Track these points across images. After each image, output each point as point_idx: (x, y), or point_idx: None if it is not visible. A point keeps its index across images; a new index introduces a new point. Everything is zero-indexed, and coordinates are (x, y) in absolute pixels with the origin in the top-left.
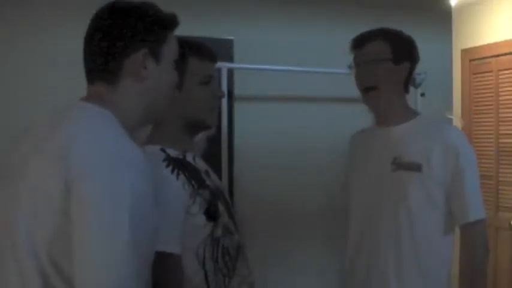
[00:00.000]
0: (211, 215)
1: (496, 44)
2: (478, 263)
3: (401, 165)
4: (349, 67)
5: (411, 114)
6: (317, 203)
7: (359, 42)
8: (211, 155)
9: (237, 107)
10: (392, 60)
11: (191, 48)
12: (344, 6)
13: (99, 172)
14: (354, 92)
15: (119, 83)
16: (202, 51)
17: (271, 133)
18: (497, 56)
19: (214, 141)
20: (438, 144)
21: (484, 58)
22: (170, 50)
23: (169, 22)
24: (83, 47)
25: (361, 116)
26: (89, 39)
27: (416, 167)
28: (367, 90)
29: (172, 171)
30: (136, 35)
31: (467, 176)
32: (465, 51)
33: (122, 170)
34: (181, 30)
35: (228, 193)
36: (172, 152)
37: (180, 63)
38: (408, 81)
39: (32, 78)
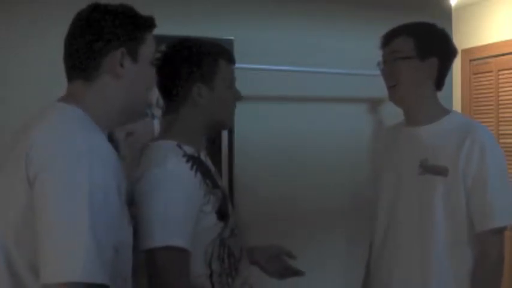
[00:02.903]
0: (222, 215)
1: (496, 44)
2: (492, 276)
3: (427, 169)
4: (378, 65)
5: (441, 112)
6: (318, 203)
7: (385, 40)
8: (212, 155)
9: (237, 106)
10: (416, 56)
11: (221, 51)
12: (344, 6)
13: (56, 164)
14: (354, 92)
15: (96, 81)
16: (228, 54)
17: (272, 133)
18: (497, 56)
19: (214, 141)
20: (465, 144)
21: (484, 58)
22: (148, 50)
23: (147, 24)
24: (64, 46)
25: (361, 116)
26: (70, 39)
27: (443, 171)
28: (391, 87)
29: (191, 167)
30: (114, 35)
31: (492, 179)
32: (465, 51)
33: (79, 160)
34: (181, 30)
35: (228, 193)
36: (188, 149)
37: (212, 66)
38: (441, 77)
39: (32, 78)
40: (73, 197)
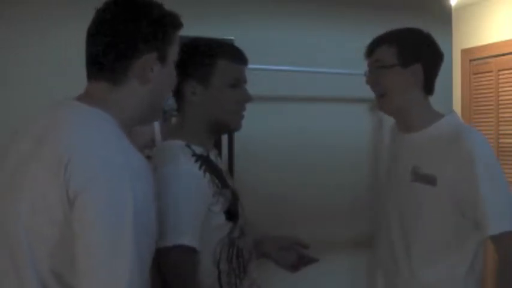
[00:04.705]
0: (231, 215)
1: (496, 44)
2: (506, 281)
3: (418, 177)
4: (365, 74)
5: (433, 118)
6: (318, 203)
7: (368, 49)
8: None
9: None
10: (399, 64)
11: (221, 49)
12: (344, 6)
13: (100, 183)
14: (354, 92)
15: (124, 84)
16: (232, 53)
17: (272, 133)
18: (497, 56)
19: (214, 141)
20: (453, 155)
21: (484, 58)
22: (174, 51)
23: (175, 23)
24: (86, 42)
25: (361, 116)
26: (95, 35)
27: (431, 180)
28: (379, 97)
29: (200, 167)
30: (148, 38)
31: (483, 186)
32: (465, 51)
33: (123, 179)
34: (181, 30)
35: None
36: (197, 149)
37: (209, 64)
38: (429, 83)
39: (32, 78)
40: (118, 217)
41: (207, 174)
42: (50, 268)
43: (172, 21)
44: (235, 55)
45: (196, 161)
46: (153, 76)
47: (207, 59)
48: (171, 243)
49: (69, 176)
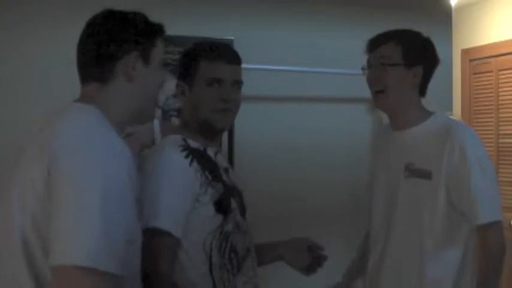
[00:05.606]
0: (221, 207)
1: (496, 44)
2: (489, 271)
3: (413, 172)
4: (362, 69)
5: (424, 116)
6: (317, 203)
7: (372, 45)
8: None
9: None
10: (403, 64)
11: (204, 50)
12: (344, 6)
13: (72, 154)
14: (354, 92)
15: (111, 83)
16: (216, 54)
17: (271, 133)
18: (497, 56)
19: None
20: (446, 148)
21: (484, 58)
22: (158, 54)
23: (157, 30)
24: (76, 51)
25: (361, 116)
26: (84, 42)
27: (427, 175)
28: (377, 93)
29: (186, 157)
30: (129, 39)
31: (474, 176)
32: (465, 51)
33: (96, 154)
34: (181, 30)
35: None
36: (192, 143)
37: (192, 65)
38: (424, 84)
39: (32, 79)
40: (86, 187)
41: (194, 164)
42: (37, 237)
43: (152, 28)
44: (219, 55)
45: (182, 150)
46: (136, 74)
47: (190, 60)
48: (144, 226)
49: (50, 151)
